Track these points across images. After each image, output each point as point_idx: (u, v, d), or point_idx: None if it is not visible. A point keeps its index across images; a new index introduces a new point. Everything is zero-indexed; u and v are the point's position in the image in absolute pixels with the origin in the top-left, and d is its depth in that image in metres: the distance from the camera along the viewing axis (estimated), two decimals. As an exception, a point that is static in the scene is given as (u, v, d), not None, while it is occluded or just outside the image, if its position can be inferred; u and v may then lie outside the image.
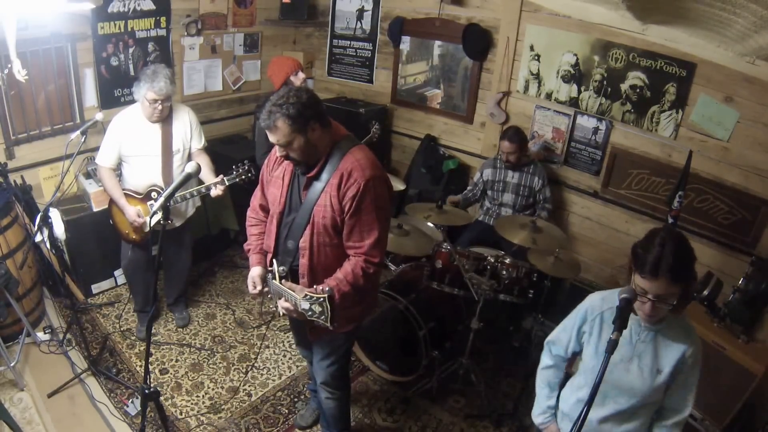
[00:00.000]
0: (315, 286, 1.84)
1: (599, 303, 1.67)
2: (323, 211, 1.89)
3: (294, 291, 1.90)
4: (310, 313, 1.80)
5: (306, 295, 1.80)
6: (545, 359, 1.85)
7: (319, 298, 1.76)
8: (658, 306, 1.45)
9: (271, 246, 2.07)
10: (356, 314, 2.14)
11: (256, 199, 2.22)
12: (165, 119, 2.89)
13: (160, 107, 2.78)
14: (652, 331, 1.56)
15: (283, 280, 2.01)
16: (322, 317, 1.78)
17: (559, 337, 1.78)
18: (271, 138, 1.83)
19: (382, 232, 1.92)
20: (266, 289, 2.13)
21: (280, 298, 2.01)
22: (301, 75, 3.35)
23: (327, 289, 1.76)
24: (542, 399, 1.86)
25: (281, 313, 2.04)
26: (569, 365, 1.85)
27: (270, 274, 2.08)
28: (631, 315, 1.56)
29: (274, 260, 2.05)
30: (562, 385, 1.85)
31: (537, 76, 3.73)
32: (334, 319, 1.78)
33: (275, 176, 2.04)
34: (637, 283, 1.45)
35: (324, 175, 1.89)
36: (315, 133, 1.83)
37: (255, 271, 2.11)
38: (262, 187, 2.17)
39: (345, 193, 1.85)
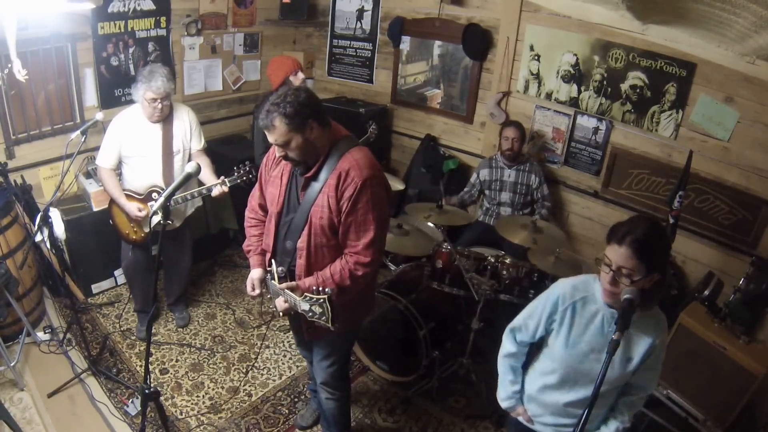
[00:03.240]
0: (309, 284, 1.84)
1: (570, 292, 1.68)
2: (320, 212, 1.88)
3: (293, 291, 1.90)
4: (310, 314, 1.79)
5: (305, 296, 1.79)
6: (508, 346, 1.85)
7: (319, 299, 1.75)
8: (618, 280, 1.47)
9: (270, 245, 2.06)
10: (355, 317, 2.14)
11: (254, 199, 2.20)
12: (165, 119, 2.88)
13: (159, 106, 2.78)
14: None
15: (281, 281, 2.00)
16: (323, 318, 1.77)
17: (526, 324, 1.79)
18: (270, 138, 1.81)
19: (378, 232, 1.89)
20: (265, 291, 2.13)
21: (279, 299, 2.00)
22: (301, 75, 3.32)
23: (327, 290, 1.75)
24: (507, 384, 1.88)
25: (281, 314, 2.04)
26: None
27: (269, 275, 2.07)
28: (604, 306, 1.60)
29: (273, 261, 2.05)
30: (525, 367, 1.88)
31: (537, 76, 3.73)
32: (335, 320, 1.77)
33: (273, 176, 2.03)
34: (606, 254, 1.52)
35: (322, 176, 1.87)
36: (313, 132, 1.81)
37: (255, 274, 2.11)
38: (260, 186, 2.15)
39: (342, 192, 1.83)
